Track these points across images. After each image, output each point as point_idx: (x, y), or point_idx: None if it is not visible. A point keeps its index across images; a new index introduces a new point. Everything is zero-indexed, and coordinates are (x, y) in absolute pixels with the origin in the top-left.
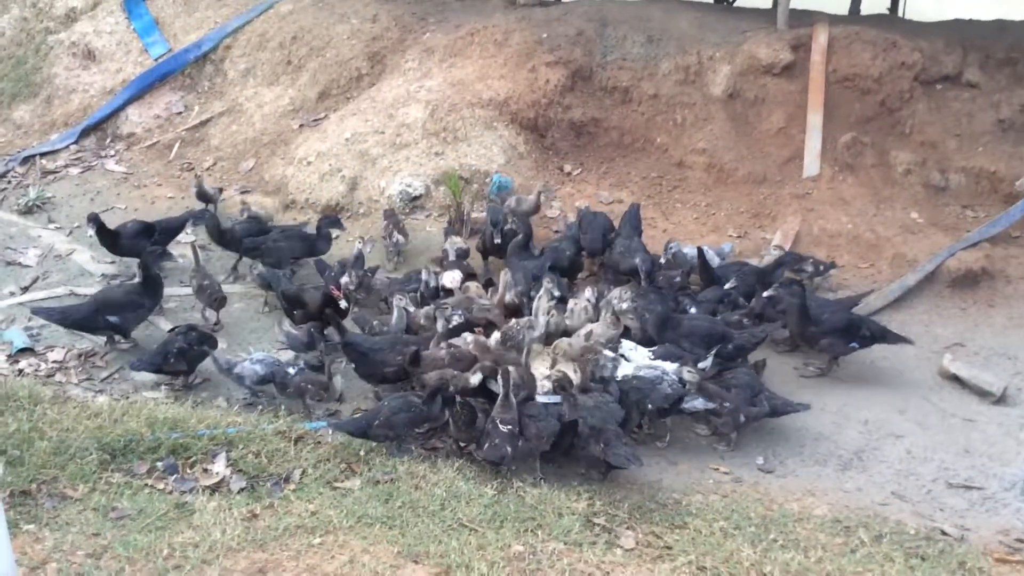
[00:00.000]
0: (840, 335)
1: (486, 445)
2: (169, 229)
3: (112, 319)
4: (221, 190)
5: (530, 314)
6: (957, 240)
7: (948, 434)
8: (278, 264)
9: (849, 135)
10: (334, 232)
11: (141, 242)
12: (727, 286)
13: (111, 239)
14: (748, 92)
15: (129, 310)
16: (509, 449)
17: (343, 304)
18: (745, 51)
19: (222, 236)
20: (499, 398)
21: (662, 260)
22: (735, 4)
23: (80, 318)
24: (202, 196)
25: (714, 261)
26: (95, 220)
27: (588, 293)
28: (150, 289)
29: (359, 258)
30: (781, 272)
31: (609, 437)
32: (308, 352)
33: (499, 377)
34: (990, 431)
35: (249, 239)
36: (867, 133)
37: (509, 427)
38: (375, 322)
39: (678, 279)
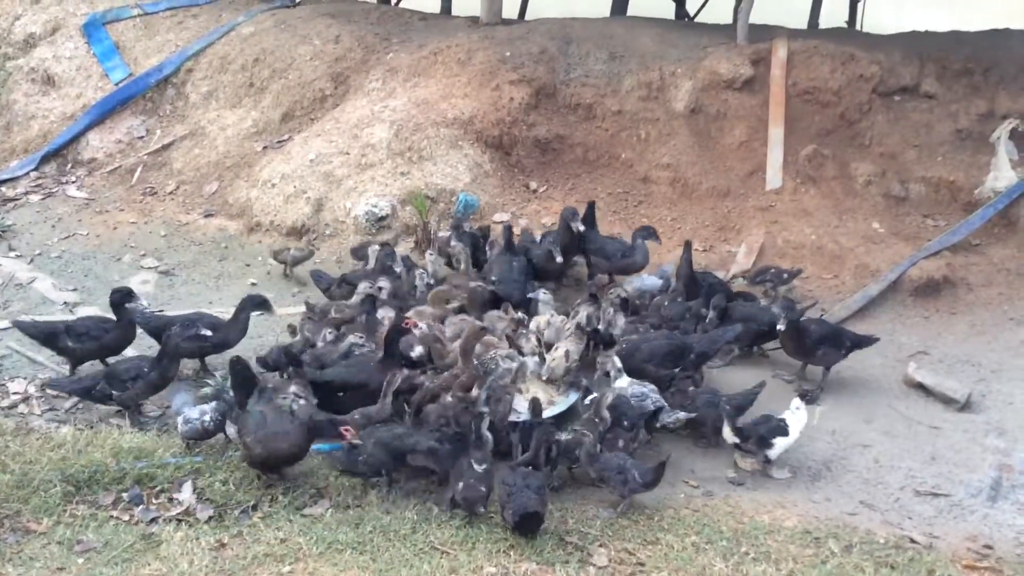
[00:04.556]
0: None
1: (460, 484)
2: None
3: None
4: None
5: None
6: (918, 249)
7: (914, 442)
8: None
9: (810, 147)
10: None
11: None
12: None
13: None
14: (710, 107)
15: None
16: (484, 489)
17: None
18: (706, 66)
19: None
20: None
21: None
22: (695, 20)
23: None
24: None
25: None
26: None
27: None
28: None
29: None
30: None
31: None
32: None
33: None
34: (956, 438)
35: None
36: (828, 145)
37: (484, 466)
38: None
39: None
